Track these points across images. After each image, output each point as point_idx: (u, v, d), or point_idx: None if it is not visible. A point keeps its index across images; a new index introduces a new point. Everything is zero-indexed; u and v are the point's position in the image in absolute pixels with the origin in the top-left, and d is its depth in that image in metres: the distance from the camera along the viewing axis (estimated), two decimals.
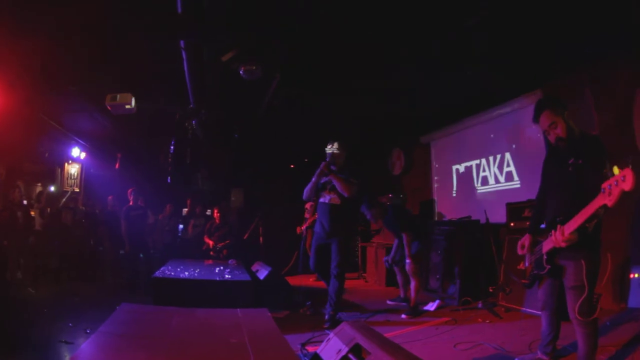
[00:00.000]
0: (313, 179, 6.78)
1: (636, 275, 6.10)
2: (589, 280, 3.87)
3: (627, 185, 3.21)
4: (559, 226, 3.91)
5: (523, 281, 4.67)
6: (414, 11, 5.88)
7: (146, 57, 7.04)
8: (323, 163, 6.70)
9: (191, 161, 10.78)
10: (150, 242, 12.30)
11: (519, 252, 4.59)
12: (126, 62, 7.21)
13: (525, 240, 4.51)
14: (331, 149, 6.88)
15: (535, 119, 4.32)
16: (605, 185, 3.39)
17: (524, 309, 6.45)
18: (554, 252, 4.11)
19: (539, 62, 7.43)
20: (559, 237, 3.88)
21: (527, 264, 4.58)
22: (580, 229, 3.76)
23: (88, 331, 5.24)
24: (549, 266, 4.17)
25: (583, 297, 3.88)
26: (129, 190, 10.91)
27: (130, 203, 10.86)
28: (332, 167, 6.76)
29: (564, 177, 4.13)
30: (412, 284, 7.28)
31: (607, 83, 6.90)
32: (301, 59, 7.10)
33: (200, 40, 6.32)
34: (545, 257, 4.19)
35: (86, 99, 8.76)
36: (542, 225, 4.39)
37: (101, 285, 10.43)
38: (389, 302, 8.25)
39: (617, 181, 3.29)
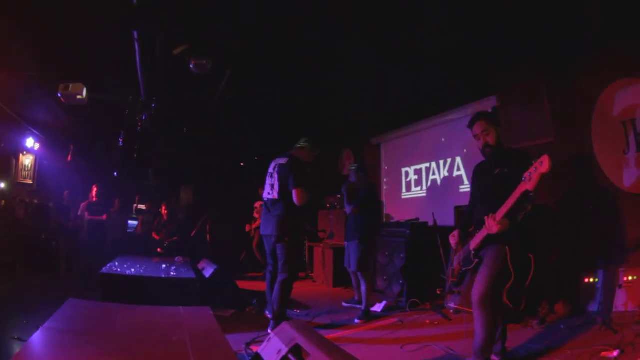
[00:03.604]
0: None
1: (590, 280, 6.24)
2: (514, 265, 4.14)
3: (545, 168, 3.60)
4: (489, 215, 4.14)
5: (452, 279, 4.79)
6: (369, 10, 5.89)
7: (101, 48, 6.93)
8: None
9: (140, 156, 10.63)
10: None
11: (452, 242, 4.81)
12: (81, 52, 7.09)
13: (456, 232, 4.77)
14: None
15: (470, 125, 4.73)
16: (525, 174, 3.76)
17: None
18: (480, 248, 4.36)
19: (496, 68, 7.53)
20: (491, 222, 4.09)
21: (454, 264, 4.78)
22: (511, 217, 4.05)
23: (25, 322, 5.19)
24: (477, 260, 4.39)
25: (509, 283, 4.17)
26: (94, 186, 10.87)
27: (94, 199, 10.90)
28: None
29: (490, 185, 4.46)
30: (363, 288, 7.25)
31: (565, 91, 6.99)
32: (253, 56, 7.05)
33: (154, 32, 6.23)
34: (472, 252, 4.42)
35: (41, 88, 8.58)
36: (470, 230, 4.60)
37: (56, 281, 10.22)
38: (344, 304, 8.13)
39: (535, 167, 3.67)
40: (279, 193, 6.26)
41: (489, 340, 4.17)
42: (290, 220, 6.28)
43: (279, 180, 6.30)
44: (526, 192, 3.85)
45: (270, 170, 6.51)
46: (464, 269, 4.58)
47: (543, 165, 3.62)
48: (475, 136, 4.71)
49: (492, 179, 4.45)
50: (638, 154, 6.05)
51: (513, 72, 7.59)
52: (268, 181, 6.47)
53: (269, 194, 6.40)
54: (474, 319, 4.22)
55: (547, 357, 4.74)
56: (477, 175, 4.90)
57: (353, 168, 7.82)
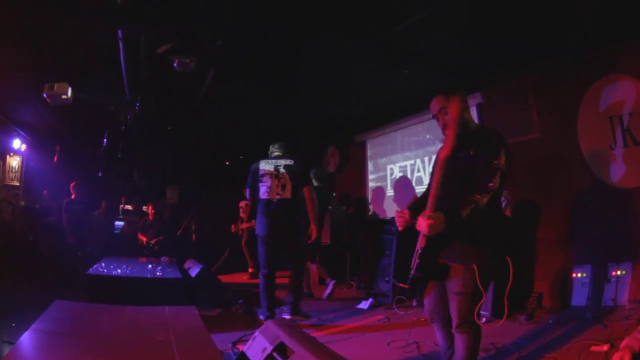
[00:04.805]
0: None
1: (579, 275, 6.27)
2: (484, 285, 3.42)
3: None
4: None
5: (401, 285, 4.26)
6: (355, 8, 5.88)
7: (86, 47, 6.89)
8: None
9: (125, 156, 10.60)
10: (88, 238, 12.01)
11: (398, 222, 3.77)
12: (65, 52, 7.06)
13: (406, 211, 3.76)
14: None
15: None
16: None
17: None
18: (433, 249, 3.51)
19: (481, 65, 7.55)
20: (420, 220, 3.29)
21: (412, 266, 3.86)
22: (447, 212, 3.27)
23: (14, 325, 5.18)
24: (419, 261, 3.49)
25: (479, 304, 3.47)
26: (72, 184, 10.75)
27: (73, 197, 10.71)
28: None
29: (453, 169, 3.46)
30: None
31: (552, 88, 7.04)
32: (237, 54, 7.03)
33: (138, 30, 6.21)
34: (419, 251, 3.51)
35: (27, 88, 8.52)
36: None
37: (44, 282, 10.17)
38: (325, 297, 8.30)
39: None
40: (292, 192, 6.44)
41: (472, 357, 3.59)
42: (301, 219, 6.66)
43: (291, 179, 6.48)
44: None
45: (269, 169, 6.61)
46: (413, 273, 3.59)
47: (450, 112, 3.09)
48: (433, 116, 3.95)
49: (455, 163, 3.48)
50: (625, 149, 6.08)
51: (498, 69, 7.62)
52: (272, 182, 6.53)
53: (278, 194, 6.45)
54: (455, 339, 3.64)
55: (537, 352, 4.75)
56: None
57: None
